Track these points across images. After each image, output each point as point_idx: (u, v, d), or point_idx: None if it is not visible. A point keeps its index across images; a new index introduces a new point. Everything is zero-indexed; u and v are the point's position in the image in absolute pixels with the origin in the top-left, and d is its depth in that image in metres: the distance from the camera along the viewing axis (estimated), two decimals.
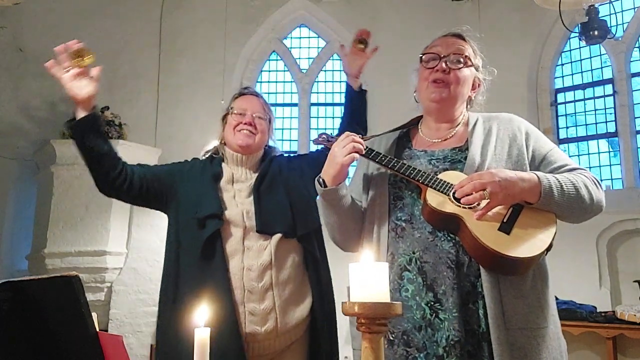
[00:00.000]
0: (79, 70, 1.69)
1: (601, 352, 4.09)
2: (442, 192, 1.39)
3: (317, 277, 1.82)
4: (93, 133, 1.73)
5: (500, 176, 1.32)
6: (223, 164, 1.92)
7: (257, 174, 1.90)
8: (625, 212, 4.39)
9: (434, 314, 1.36)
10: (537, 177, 1.37)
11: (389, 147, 1.62)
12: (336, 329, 1.85)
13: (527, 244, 1.32)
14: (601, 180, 4.74)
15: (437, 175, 1.43)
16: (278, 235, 1.77)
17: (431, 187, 1.40)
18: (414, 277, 1.40)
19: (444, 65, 1.52)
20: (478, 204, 1.34)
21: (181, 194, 1.84)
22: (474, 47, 1.59)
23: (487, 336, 1.31)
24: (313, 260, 1.83)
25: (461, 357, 1.30)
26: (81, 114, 1.73)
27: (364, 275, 0.86)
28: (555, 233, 1.37)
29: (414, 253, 1.41)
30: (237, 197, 1.83)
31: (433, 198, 1.38)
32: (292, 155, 2.05)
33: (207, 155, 1.99)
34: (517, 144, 1.49)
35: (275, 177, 1.88)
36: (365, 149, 1.49)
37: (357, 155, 1.46)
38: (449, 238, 1.39)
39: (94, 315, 1.01)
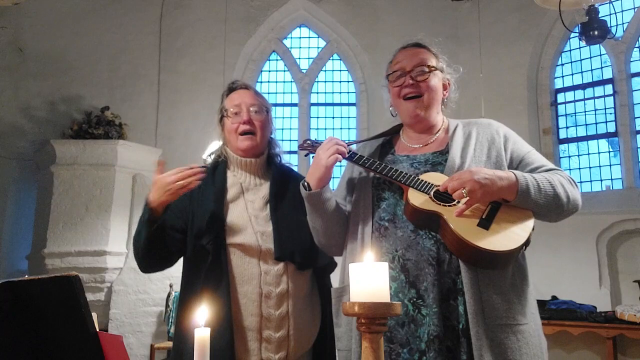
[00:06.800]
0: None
1: (601, 352, 4.10)
2: (423, 191, 1.43)
3: (327, 306, 1.77)
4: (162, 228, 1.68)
5: (478, 175, 1.37)
6: (228, 172, 1.82)
7: (267, 183, 1.81)
8: (625, 212, 4.39)
9: (417, 310, 1.39)
10: (515, 175, 1.41)
11: (372, 153, 1.67)
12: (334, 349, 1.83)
13: (505, 238, 1.36)
14: (601, 180, 4.79)
15: (418, 176, 1.47)
16: (294, 264, 1.71)
17: (412, 187, 1.44)
18: (397, 274, 1.43)
19: (410, 80, 1.57)
20: (458, 202, 1.38)
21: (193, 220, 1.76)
22: (434, 51, 1.64)
23: (466, 332, 1.34)
24: (324, 291, 1.79)
25: (440, 352, 1.33)
26: (158, 213, 1.65)
27: (364, 275, 0.86)
28: (533, 229, 1.41)
29: (396, 251, 1.45)
30: (250, 209, 1.74)
31: (414, 197, 1.42)
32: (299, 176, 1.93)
33: (210, 160, 1.89)
34: (496, 147, 1.54)
35: (295, 198, 1.74)
36: (348, 152, 1.55)
37: (340, 156, 1.52)
38: (430, 236, 1.42)
39: (94, 315, 1.01)
